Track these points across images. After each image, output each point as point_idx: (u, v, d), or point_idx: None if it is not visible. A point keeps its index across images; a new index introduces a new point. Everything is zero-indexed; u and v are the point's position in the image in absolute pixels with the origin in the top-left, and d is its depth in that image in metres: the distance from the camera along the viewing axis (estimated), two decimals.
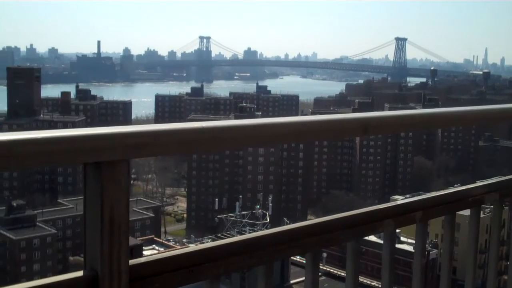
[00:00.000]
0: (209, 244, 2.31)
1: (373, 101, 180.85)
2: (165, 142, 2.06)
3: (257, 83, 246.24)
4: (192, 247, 2.32)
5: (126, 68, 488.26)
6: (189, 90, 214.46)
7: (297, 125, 2.55)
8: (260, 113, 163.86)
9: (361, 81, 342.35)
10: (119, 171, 1.96)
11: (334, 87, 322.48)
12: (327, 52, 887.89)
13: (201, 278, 2.27)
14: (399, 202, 3.22)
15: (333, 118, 2.72)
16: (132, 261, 2.05)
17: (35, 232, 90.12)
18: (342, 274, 68.86)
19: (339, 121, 2.77)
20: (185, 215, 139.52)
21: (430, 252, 70.57)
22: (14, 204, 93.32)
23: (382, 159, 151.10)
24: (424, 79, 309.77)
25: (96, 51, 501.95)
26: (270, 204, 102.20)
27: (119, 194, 1.97)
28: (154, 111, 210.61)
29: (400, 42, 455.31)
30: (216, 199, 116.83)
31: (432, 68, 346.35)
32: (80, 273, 1.95)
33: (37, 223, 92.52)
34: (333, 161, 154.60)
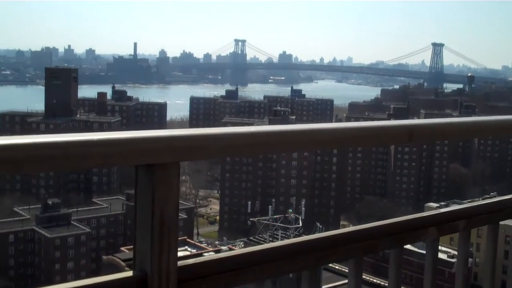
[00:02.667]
0: (255, 247, 2.33)
1: (408, 107, 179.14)
2: (215, 145, 2.10)
3: (291, 87, 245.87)
4: (239, 250, 2.37)
5: (161, 70, 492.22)
6: (223, 93, 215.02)
7: (342, 131, 2.54)
8: (294, 117, 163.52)
9: (396, 87, 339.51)
10: (170, 173, 1.99)
11: (369, 92, 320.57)
12: (363, 57, 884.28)
13: (246, 281, 2.29)
14: (442, 210, 3.21)
15: (378, 125, 2.70)
16: (180, 263, 2.09)
17: (70, 231, 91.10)
18: (375, 280, 68.33)
19: (384, 128, 2.74)
20: (217, 217, 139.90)
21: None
22: (50, 202, 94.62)
23: (417, 166, 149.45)
24: (461, 86, 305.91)
25: (132, 52, 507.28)
26: (303, 209, 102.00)
27: (170, 196, 2.00)
28: (188, 113, 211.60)
29: (437, 48, 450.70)
30: (249, 202, 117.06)
31: (469, 74, 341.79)
32: (130, 273, 2.01)
33: (72, 222, 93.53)
34: (367, 167, 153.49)
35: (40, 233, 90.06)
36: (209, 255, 2.29)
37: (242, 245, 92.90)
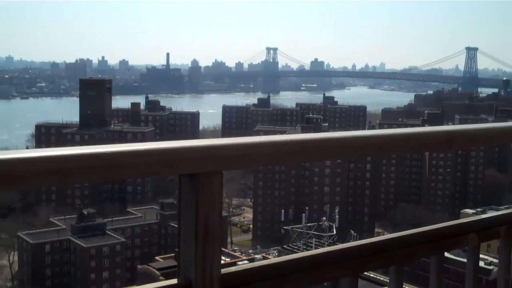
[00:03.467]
0: (296, 254, 2.36)
1: (443, 112, 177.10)
2: (256, 154, 2.13)
3: (323, 94, 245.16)
4: (280, 257, 2.38)
5: (194, 79, 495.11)
6: (255, 101, 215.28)
7: (380, 138, 2.53)
8: (327, 124, 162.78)
9: (430, 92, 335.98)
10: (213, 182, 2.03)
11: (402, 98, 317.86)
12: (395, 62, 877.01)
13: None
14: (483, 216, 3.18)
15: (417, 131, 2.69)
16: (224, 270, 2.12)
17: (105, 240, 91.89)
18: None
19: (423, 135, 2.71)
20: (251, 226, 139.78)
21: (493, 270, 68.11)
22: (85, 212, 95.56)
23: (452, 172, 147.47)
24: (496, 90, 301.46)
25: (165, 63, 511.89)
26: (337, 216, 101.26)
27: (213, 204, 2.04)
28: (221, 122, 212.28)
29: (471, 52, 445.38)
30: (282, 210, 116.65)
31: (504, 78, 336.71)
32: (174, 281, 2.05)
33: (107, 232, 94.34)
34: (401, 173, 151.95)
35: (76, 243, 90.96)
36: (252, 263, 2.33)
37: (276, 254, 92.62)
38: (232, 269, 2.17)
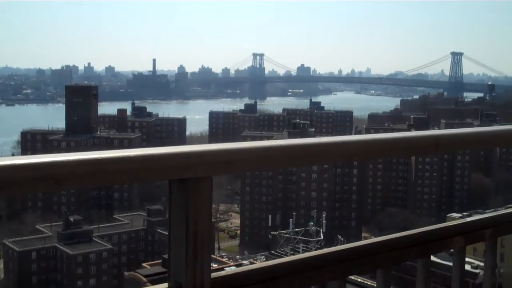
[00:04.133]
0: (286, 258, 2.41)
1: (429, 117, 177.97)
2: (246, 159, 2.15)
3: (310, 99, 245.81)
4: (269, 261, 2.41)
5: (180, 85, 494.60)
6: (242, 107, 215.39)
7: (368, 143, 2.54)
8: (313, 129, 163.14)
9: (416, 97, 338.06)
10: (203, 187, 2.05)
11: (388, 103, 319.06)
12: (381, 68, 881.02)
13: None
14: (468, 219, 3.24)
15: (404, 136, 2.71)
16: (214, 274, 2.14)
17: (91, 247, 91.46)
18: None
19: (410, 139, 2.73)
20: (238, 232, 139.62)
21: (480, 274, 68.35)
22: (71, 219, 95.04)
23: (438, 176, 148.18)
24: (481, 94, 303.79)
25: (151, 69, 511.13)
26: (324, 221, 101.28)
27: (203, 209, 2.06)
28: (208, 127, 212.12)
29: (456, 57, 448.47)
30: (270, 216, 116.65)
31: (489, 83, 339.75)
32: (165, 285, 2.08)
33: (93, 238, 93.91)
34: (387, 178, 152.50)
35: (62, 250, 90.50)
36: (241, 267, 2.36)
37: (264, 259, 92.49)
38: (222, 273, 2.19)
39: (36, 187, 1.77)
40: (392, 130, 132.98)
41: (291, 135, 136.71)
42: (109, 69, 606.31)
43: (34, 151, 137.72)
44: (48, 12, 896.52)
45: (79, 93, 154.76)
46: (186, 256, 2.05)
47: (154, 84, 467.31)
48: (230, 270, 2.24)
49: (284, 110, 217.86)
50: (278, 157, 2.24)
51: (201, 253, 2.07)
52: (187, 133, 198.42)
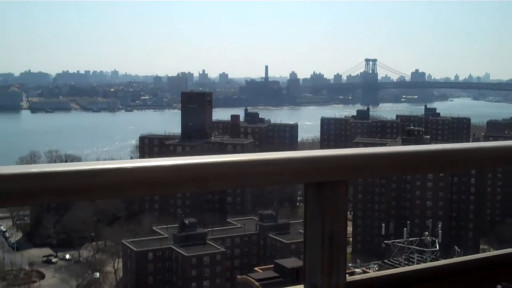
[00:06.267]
0: (420, 265, 2.36)
1: None
2: (382, 164, 2.15)
3: (425, 105, 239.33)
4: (405, 268, 2.38)
5: (292, 92, 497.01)
6: (354, 113, 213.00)
7: (489, 150, 2.46)
8: (429, 136, 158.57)
9: None
10: (338, 191, 2.07)
11: (509, 110, 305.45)
12: (501, 72, 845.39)
13: None
14: None
15: None
16: (349, 278, 2.15)
17: (205, 250, 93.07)
18: None
19: None
20: (350, 239, 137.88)
21: None
22: (186, 222, 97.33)
23: None
24: None
25: (264, 75, 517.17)
26: (440, 231, 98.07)
27: (338, 213, 2.08)
28: (319, 134, 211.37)
29: None
30: (383, 224, 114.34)
31: None
32: (300, 287, 2.10)
33: (207, 241, 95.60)
34: (508, 187, 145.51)
35: (178, 252, 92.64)
36: (377, 272, 2.36)
37: (376, 268, 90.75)
38: (357, 277, 2.20)
39: (184, 188, 1.85)
40: None
41: (405, 142, 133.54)
42: (223, 76, 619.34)
43: (151, 155, 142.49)
44: (165, 22, 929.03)
45: (194, 100, 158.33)
46: (322, 259, 2.06)
47: (266, 90, 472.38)
48: (365, 274, 2.24)
49: (397, 116, 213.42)
50: (413, 163, 2.22)
51: (337, 256, 2.08)
52: (299, 139, 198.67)
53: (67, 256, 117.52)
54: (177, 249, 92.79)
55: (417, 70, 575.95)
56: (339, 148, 2.14)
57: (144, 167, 1.79)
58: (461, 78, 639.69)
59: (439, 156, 2.27)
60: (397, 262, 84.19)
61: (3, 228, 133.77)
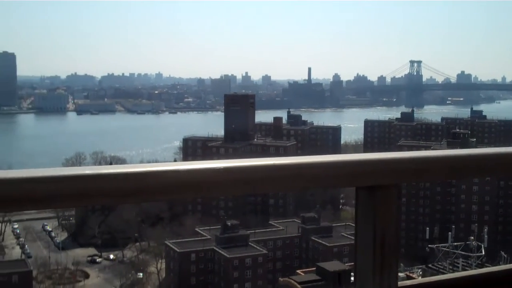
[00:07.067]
0: (472, 271, 2.35)
1: None
2: (436, 168, 2.12)
3: (471, 108, 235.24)
4: (457, 273, 2.33)
5: (335, 93, 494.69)
6: (398, 115, 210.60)
7: None
8: (475, 139, 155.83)
9: None
10: (390, 195, 2.05)
11: None
12: None
13: None
14: None
15: None
16: (401, 283, 2.13)
17: (247, 252, 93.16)
18: None
19: None
20: None
21: None
22: (229, 223, 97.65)
23: None
24: None
25: (307, 77, 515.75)
26: (486, 236, 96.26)
27: (391, 217, 2.07)
28: (363, 136, 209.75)
29: None
30: (427, 228, 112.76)
31: None
32: None
33: (249, 243, 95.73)
34: None
35: (220, 253, 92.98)
36: (428, 277, 2.33)
37: (420, 273, 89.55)
38: (408, 282, 2.19)
39: (235, 190, 1.88)
40: None
41: (450, 145, 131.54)
42: (266, 78, 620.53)
43: (195, 157, 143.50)
44: (209, 25, 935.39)
45: (237, 102, 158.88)
46: (374, 264, 2.04)
47: (309, 92, 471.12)
48: (417, 280, 2.21)
49: (442, 119, 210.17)
50: (466, 168, 2.18)
51: (389, 261, 2.06)
52: (342, 141, 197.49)
53: (111, 256, 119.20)
54: (219, 251, 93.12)
55: (463, 72, 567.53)
56: (391, 152, 2.14)
57: (196, 169, 1.80)
58: (508, 79, 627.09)
59: (495, 160, 2.23)
60: (442, 267, 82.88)
61: (49, 228, 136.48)
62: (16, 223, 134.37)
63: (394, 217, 2.08)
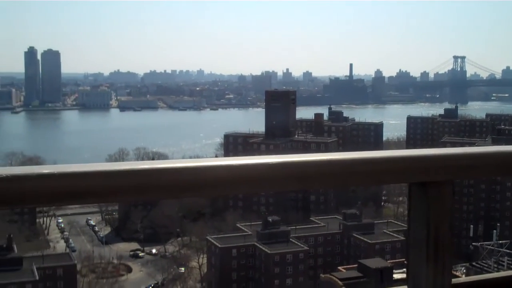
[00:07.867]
0: None
1: None
2: (489, 164, 2.11)
3: None
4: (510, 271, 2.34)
5: (377, 90, 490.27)
6: (442, 112, 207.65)
7: None
8: None
9: None
10: (443, 191, 2.04)
11: None
12: None
13: None
14: None
15: None
16: (454, 280, 2.11)
17: (288, 248, 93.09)
18: None
19: None
20: None
21: None
22: (270, 219, 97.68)
23: None
24: None
25: (348, 73, 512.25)
26: None
27: (444, 214, 2.05)
28: (405, 133, 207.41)
29: None
30: (471, 226, 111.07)
31: None
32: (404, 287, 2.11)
33: (290, 239, 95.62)
34: None
35: (261, 249, 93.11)
36: (482, 275, 2.32)
37: (464, 271, 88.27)
38: (462, 279, 2.17)
39: (288, 185, 1.87)
40: None
41: (495, 142, 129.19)
42: (307, 74, 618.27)
43: (235, 153, 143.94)
44: (250, 22, 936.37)
45: (278, 98, 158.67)
46: (427, 261, 2.03)
47: (350, 88, 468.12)
48: (471, 277, 2.21)
49: (487, 115, 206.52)
50: None
51: (442, 258, 2.04)
52: (384, 138, 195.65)
53: (154, 251, 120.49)
54: (261, 246, 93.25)
55: (508, 68, 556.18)
56: (444, 148, 2.12)
57: (250, 165, 1.79)
58: None
59: None
60: (486, 265, 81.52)
61: (92, 223, 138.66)
62: (60, 218, 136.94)
63: (447, 213, 2.07)
